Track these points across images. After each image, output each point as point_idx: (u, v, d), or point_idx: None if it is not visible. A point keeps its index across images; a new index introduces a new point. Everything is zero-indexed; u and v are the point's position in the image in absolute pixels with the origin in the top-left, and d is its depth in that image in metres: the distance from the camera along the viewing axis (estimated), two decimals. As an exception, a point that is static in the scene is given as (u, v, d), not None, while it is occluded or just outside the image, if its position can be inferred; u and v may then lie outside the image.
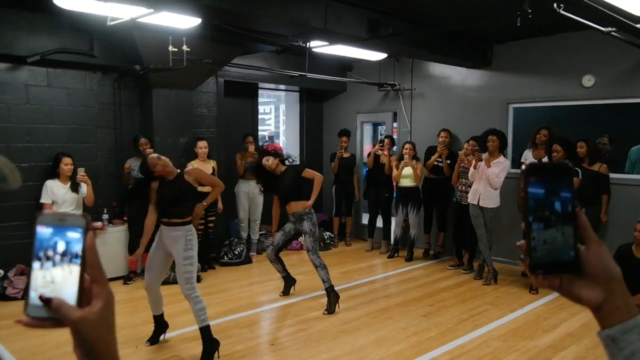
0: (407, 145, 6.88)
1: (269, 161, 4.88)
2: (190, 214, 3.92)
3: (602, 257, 0.67)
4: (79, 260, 0.64)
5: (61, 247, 0.64)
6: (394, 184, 7.28)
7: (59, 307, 0.62)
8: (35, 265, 0.63)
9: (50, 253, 0.63)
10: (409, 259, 7.00)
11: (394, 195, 7.33)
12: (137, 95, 6.31)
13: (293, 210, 4.97)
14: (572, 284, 0.67)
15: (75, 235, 0.64)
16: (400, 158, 6.97)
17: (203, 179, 4.07)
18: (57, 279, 0.63)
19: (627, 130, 6.07)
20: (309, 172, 4.98)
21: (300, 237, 5.18)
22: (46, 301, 0.62)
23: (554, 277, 0.68)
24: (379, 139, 7.73)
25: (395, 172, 6.99)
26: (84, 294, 0.64)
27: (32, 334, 3.87)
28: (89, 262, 0.64)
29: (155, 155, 3.98)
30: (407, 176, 6.90)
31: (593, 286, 0.66)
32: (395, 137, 7.94)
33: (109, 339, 0.65)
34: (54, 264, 0.63)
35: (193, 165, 6.09)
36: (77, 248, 0.64)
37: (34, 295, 0.63)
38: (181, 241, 3.79)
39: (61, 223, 0.65)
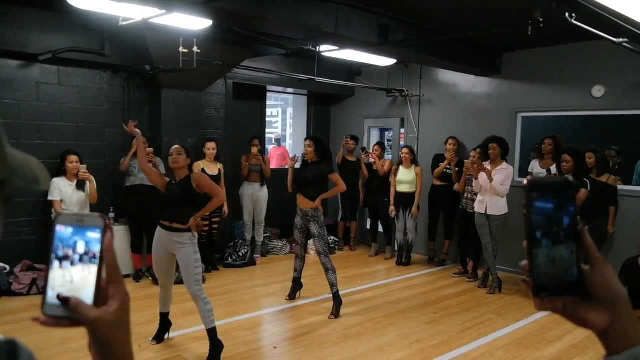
0: (404, 150, 6.92)
1: (308, 148, 4.90)
2: (189, 220, 3.81)
3: (608, 277, 0.64)
4: (96, 261, 0.64)
5: (80, 247, 0.64)
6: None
7: (77, 307, 0.62)
8: (54, 264, 0.64)
9: (69, 252, 0.64)
10: (407, 263, 7.03)
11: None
12: (147, 95, 6.34)
13: (301, 205, 4.97)
14: (577, 307, 0.64)
15: (93, 235, 0.65)
16: (400, 163, 6.97)
17: (204, 186, 3.86)
18: (75, 279, 0.64)
19: (636, 142, 6.04)
20: (336, 177, 4.96)
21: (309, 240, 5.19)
22: (64, 300, 0.63)
23: (557, 299, 0.64)
24: (361, 147, 7.71)
25: (392, 177, 7.00)
26: (100, 294, 0.64)
27: (36, 329, 3.87)
28: (106, 263, 0.65)
29: (178, 146, 3.91)
30: (404, 182, 6.89)
31: (598, 309, 0.63)
32: (402, 143, 7.93)
33: (125, 338, 0.66)
34: (73, 264, 0.64)
35: (200, 165, 6.12)
36: (96, 248, 0.64)
37: (51, 294, 0.64)
38: (188, 247, 3.77)
39: (80, 223, 0.65)
